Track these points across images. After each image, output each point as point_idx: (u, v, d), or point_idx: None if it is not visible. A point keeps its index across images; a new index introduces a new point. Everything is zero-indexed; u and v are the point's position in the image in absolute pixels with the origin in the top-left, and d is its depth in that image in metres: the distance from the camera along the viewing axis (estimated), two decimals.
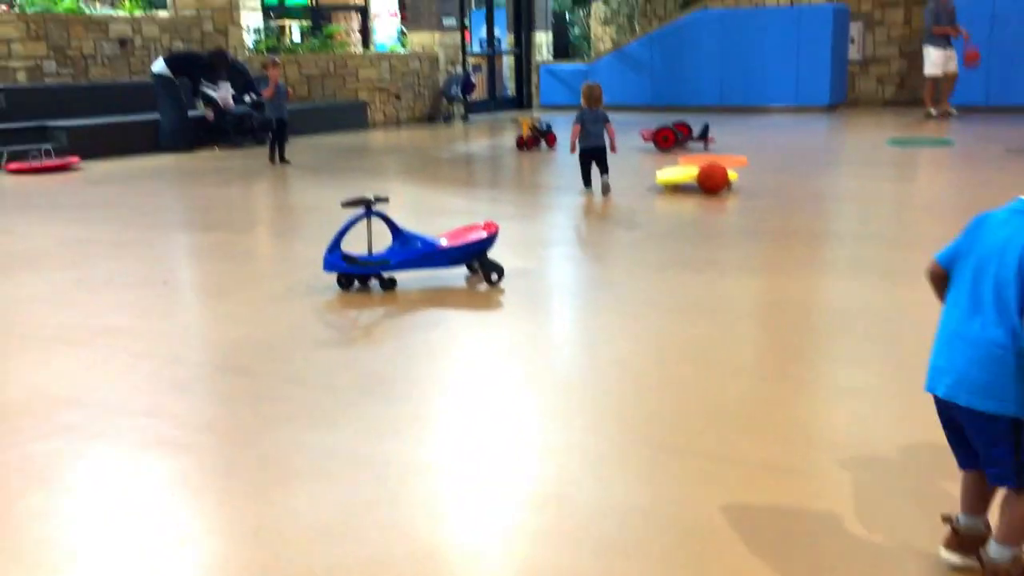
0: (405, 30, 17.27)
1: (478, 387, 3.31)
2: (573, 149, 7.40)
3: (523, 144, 10.96)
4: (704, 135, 10.27)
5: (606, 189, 7.28)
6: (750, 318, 4.19)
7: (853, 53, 15.87)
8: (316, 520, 2.33)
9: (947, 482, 2.39)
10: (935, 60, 12.60)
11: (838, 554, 2.13)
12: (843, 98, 15.73)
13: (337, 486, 2.52)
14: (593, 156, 7.35)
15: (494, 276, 4.65)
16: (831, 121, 13.63)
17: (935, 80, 12.77)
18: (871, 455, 2.63)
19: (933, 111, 12.77)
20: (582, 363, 3.62)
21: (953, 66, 12.63)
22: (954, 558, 2.05)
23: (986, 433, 1.91)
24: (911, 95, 15.55)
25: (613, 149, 7.35)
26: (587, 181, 7.44)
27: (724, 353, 3.64)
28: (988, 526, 2.06)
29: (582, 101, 7.36)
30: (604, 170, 7.33)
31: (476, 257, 4.71)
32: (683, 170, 7.62)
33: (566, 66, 17.81)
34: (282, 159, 9.92)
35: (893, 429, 2.82)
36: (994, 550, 1.97)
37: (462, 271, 4.82)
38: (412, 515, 2.36)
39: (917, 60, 15.49)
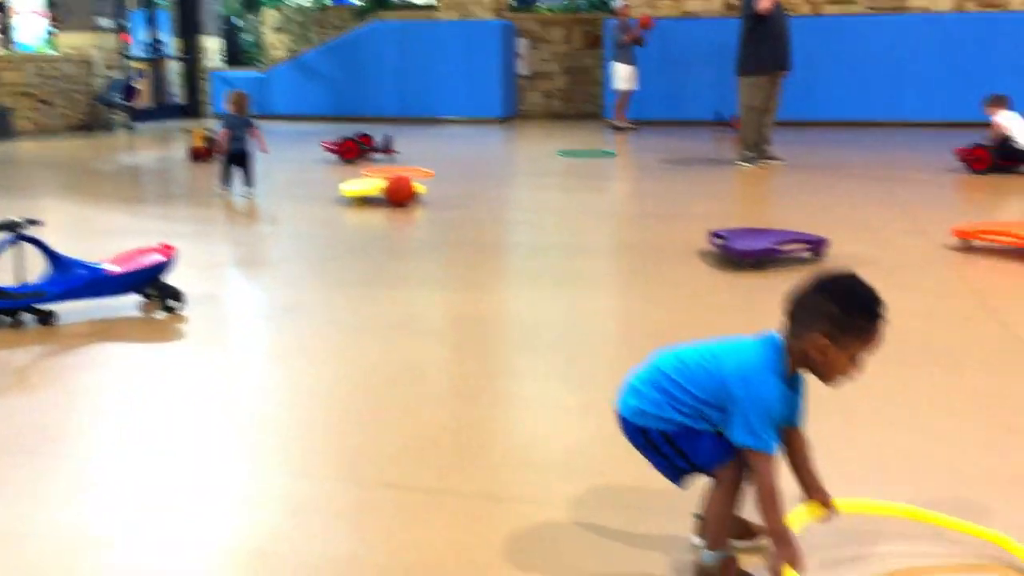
0: (54, 30, 15.66)
1: (159, 433, 2.95)
2: (223, 152, 7.83)
3: (196, 155, 10.30)
4: (387, 146, 10.24)
5: (246, 195, 7.75)
6: (447, 335, 4.15)
7: (521, 68, 16.68)
8: None
9: (676, 491, 2.46)
10: (623, 75, 13.44)
11: None
12: (514, 111, 16.48)
13: None
14: (238, 160, 7.82)
15: (172, 303, 4.24)
16: (505, 133, 14.20)
17: (625, 94, 13.58)
18: (591, 471, 2.65)
19: (620, 124, 13.62)
20: (279, 397, 3.36)
21: (636, 82, 13.56)
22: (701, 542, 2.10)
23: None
24: (575, 109, 16.63)
25: (264, 150, 7.87)
26: (226, 181, 7.83)
27: (427, 375, 3.56)
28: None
29: (230, 108, 7.90)
30: (248, 180, 7.85)
31: (151, 283, 4.26)
32: (369, 182, 7.52)
33: (239, 74, 17.06)
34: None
35: (601, 441, 2.87)
36: (704, 555, 2.03)
37: (135, 299, 4.34)
38: None
39: (579, 76, 16.63)
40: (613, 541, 2.25)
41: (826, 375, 1.94)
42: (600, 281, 5.13)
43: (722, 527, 2.02)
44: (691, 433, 1.99)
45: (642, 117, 14.31)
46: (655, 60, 14.22)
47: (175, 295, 4.24)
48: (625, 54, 13.46)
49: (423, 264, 5.55)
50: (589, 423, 3.02)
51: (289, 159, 10.60)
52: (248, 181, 7.86)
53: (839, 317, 1.89)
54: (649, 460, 2.08)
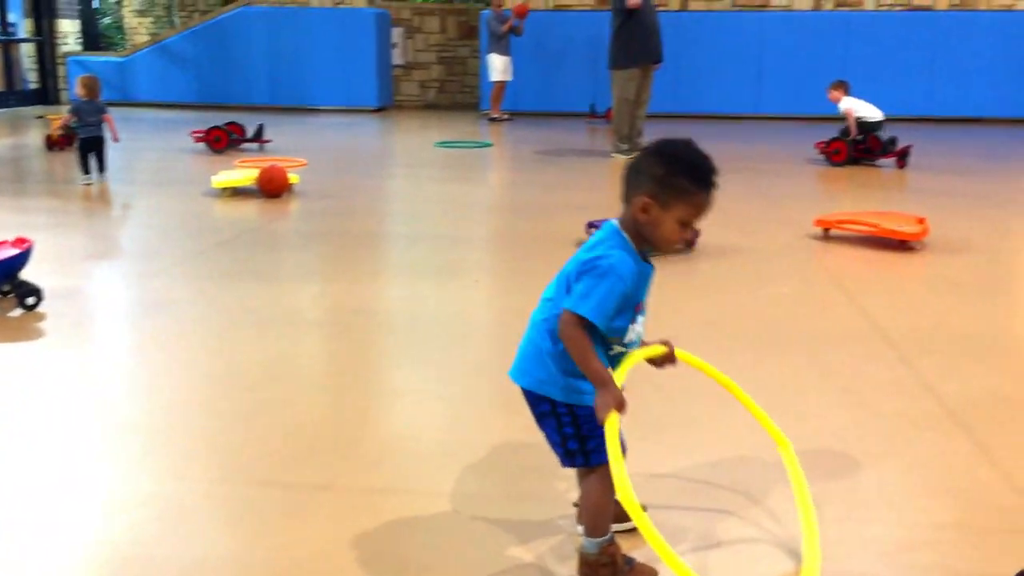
0: None
1: (17, 436, 2.79)
2: (65, 132, 7.77)
3: (54, 144, 9.76)
4: (259, 136, 9.96)
5: (98, 182, 7.56)
6: (325, 328, 4.08)
7: (396, 57, 16.51)
8: None
9: (554, 478, 2.48)
10: (498, 67, 13.43)
11: (463, 570, 2.09)
12: (390, 101, 16.30)
13: None
14: (91, 146, 7.53)
15: (30, 300, 4.01)
16: (381, 123, 14.04)
17: (500, 85, 13.57)
18: (472, 460, 2.65)
19: (495, 115, 13.60)
20: (147, 396, 3.23)
21: (509, 74, 13.58)
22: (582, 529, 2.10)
23: (535, 414, 2.06)
24: (451, 99, 16.58)
25: (115, 139, 7.59)
26: (85, 169, 7.53)
27: (304, 369, 3.49)
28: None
29: (80, 92, 7.57)
30: (101, 166, 7.59)
31: (5, 279, 4.03)
32: (241, 173, 7.30)
33: (98, 58, 16.26)
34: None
35: (482, 431, 2.88)
36: (585, 544, 2.06)
37: None
38: None
39: (455, 66, 16.59)
40: (496, 529, 2.26)
41: (655, 240, 1.95)
42: (479, 272, 5.14)
43: (601, 516, 2.04)
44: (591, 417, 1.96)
45: (518, 109, 14.39)
46: (530, 52, 14.33)
47: (32, 291, 4.02)
48: (500, 45, 13.51)
49: (298, 256, 5.44)
50: (469, 413, 3.02)
51: (155, 148, 10.19)
52: (101, 167, 7.59)
53: (663, 177, 1.90)
54: (545, 434, 2.06)
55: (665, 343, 2.09)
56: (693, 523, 2.31)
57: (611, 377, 1.90)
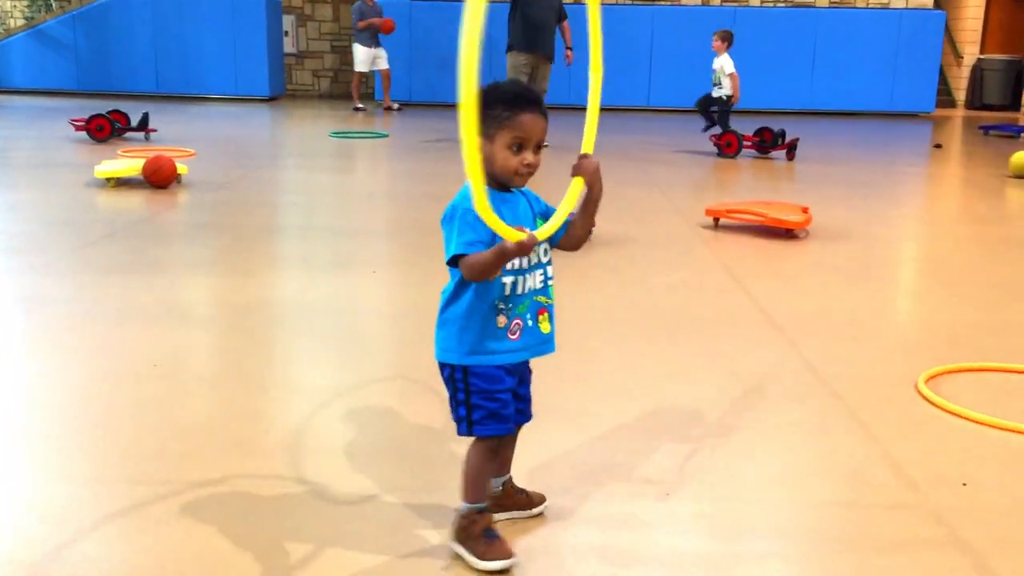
0: None
1: None
2: None
3: None
4: (144, 124, 9.63)
5: None
6: (215, 322, 3.98)
7: (288, 46, 16.18)
8: None
9: (448, 468, 2.49)
10: (362, 58, 13.42)
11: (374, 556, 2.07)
12: (282, 90, 15.97)
13: None
14: None
15: None
16: (273, 113, 13.75)
17: (362, 76, 13.58)
18: (371, 452, 2.63)
19: (360, 104, 13.57)
20: (27, 395, 3.09)
21: (383, 64, 13.55)
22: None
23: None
24: (344, 89, 16.36)
25: None
26: None
27: (195, 364, 3.40)
28: (508, 484, 2.26)
29: None
30: None
31: None
32: (126, 163, 7.05)
33: None
34: None
35: (380, 422, 2.86)
36: (462, 508, 2.11)
37: None
38: None
39: (348, 55, 16.36)
40: (394, 517, 2.25)
41: (497, 174, 2.00)
42: (373, 263, 5.09)
43: (475, 483, 2.09)
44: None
45: (414, 99, 14.30)
46: (424, 42, 14.26)
47: None
48: (363, 36, 13.42)
49: (187, 249, 5.28)
50: (364, 403, 3.00)
51: (31, 137, 9.74)
52: None
53: (484, 114, 1.93)
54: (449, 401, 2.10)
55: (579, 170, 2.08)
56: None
57: (497, 248, 1.88)
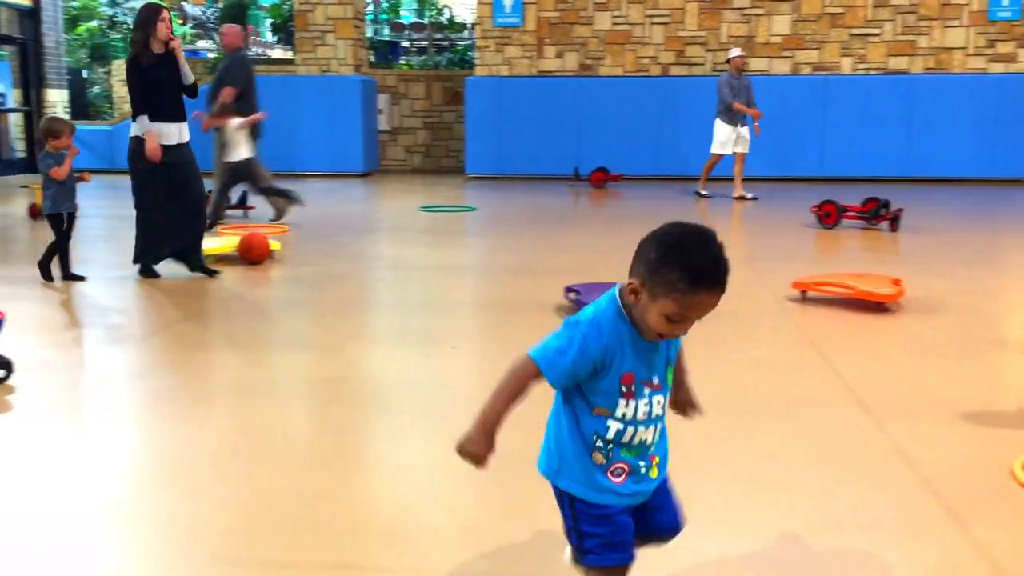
0: None
1: None
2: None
3: (38, 213, 9.79)
4: (243, 203, 10.02)
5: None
6: (304, 398, 4.05)
7: (382, 123, 16.71)
8: None
9: (542, 564, 2.45)
10: (721, 139, 11.83)
11: None
12: (376, 166, 16.46)
13: None
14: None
15: (1, 372, 3.99)
16: (366, 188, 14.15)
17: (716, 157, 11.97)
18: (451, 537, 2.62)
19: (703, 191, 12.20)
20: (115, 467, 3.19)
21: (744, 147, 11.87)
22: None
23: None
24: (436, 164, 16.77)
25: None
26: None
27: (280, 442, 3.46)
28: None
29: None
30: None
31: None
32: (223, 240, 7.34)
33: (85, 127, 16.41)
34: (70, 274, 6.41)
35: (467, 507, 2.85)
36: None
37: None
38: None
39: (440, 131, 16.79)
40: None
41: (639, 325, 1.79)
42: (462, 338, 5.13)
43: None
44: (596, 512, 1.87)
45: (503, 172, 14.54)
46: (515, 117, 14.55)
47: (4, 364, 4.00)
48: (729, 114, 11.73)
49: (278, 324, 5.43)
50: (456, 487, 2.99)
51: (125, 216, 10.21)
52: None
53: (654, 263, 1.71)
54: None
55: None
56: None
57: (491, 429, 1.84)
